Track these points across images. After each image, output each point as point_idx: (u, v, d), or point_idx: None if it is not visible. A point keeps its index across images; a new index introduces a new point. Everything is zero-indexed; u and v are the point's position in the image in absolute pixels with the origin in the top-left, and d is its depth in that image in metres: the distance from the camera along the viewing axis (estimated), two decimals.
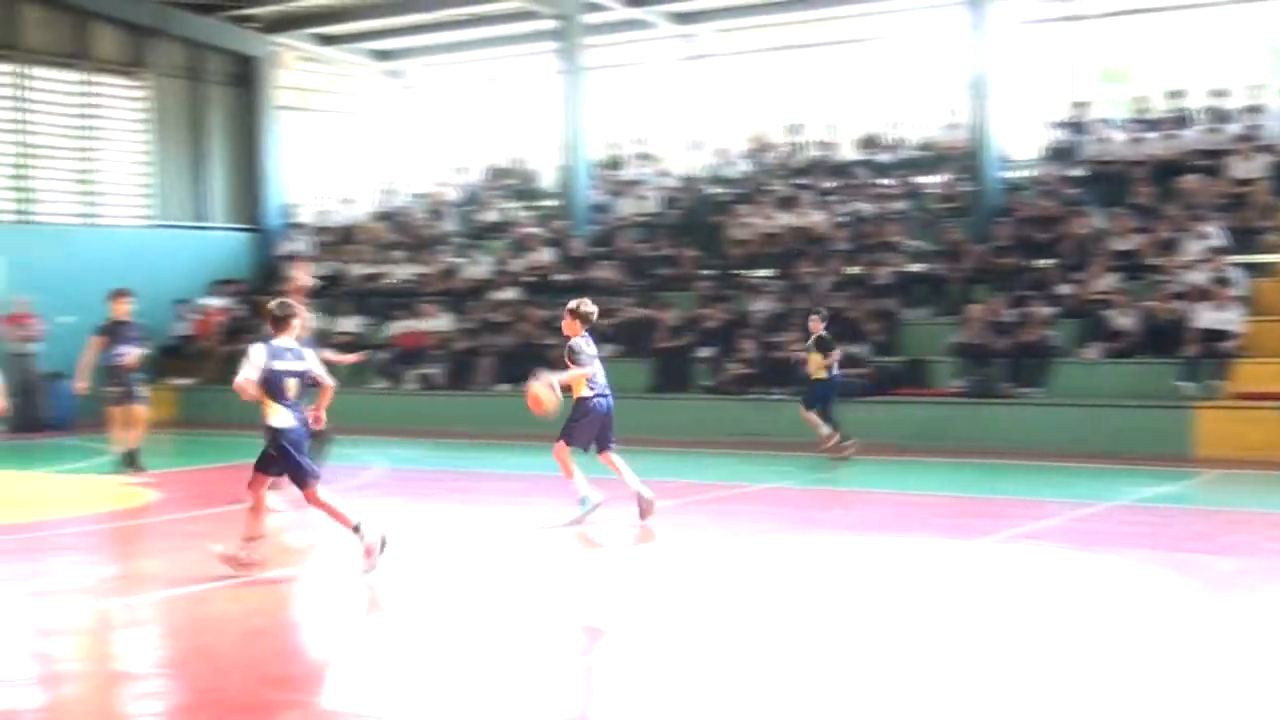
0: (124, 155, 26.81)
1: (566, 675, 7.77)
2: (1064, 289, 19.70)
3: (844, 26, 27.22)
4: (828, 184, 24.13)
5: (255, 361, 10.26)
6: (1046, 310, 19.27)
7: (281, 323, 10.54)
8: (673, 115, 28.79)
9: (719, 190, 24.80)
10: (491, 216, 27.16)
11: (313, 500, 10.40)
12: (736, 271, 22.69)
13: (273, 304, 10.81)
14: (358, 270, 26.51)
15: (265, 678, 7.83)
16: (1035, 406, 18.63)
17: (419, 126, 31.92)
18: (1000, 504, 14.02)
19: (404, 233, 27.55)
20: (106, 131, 26.46)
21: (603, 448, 12.83)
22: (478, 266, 24.99)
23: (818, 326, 17.36)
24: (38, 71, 25.34)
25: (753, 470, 16.64)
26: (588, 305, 12.53)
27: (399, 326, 24.22)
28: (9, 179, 25.07)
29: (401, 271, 25.93)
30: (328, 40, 29.52)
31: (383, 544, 10.27)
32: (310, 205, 29.58)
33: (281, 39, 28.65)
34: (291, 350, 10.52)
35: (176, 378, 25.76)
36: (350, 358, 15.15)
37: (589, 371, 12.51)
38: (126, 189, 26.88)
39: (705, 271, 22.66)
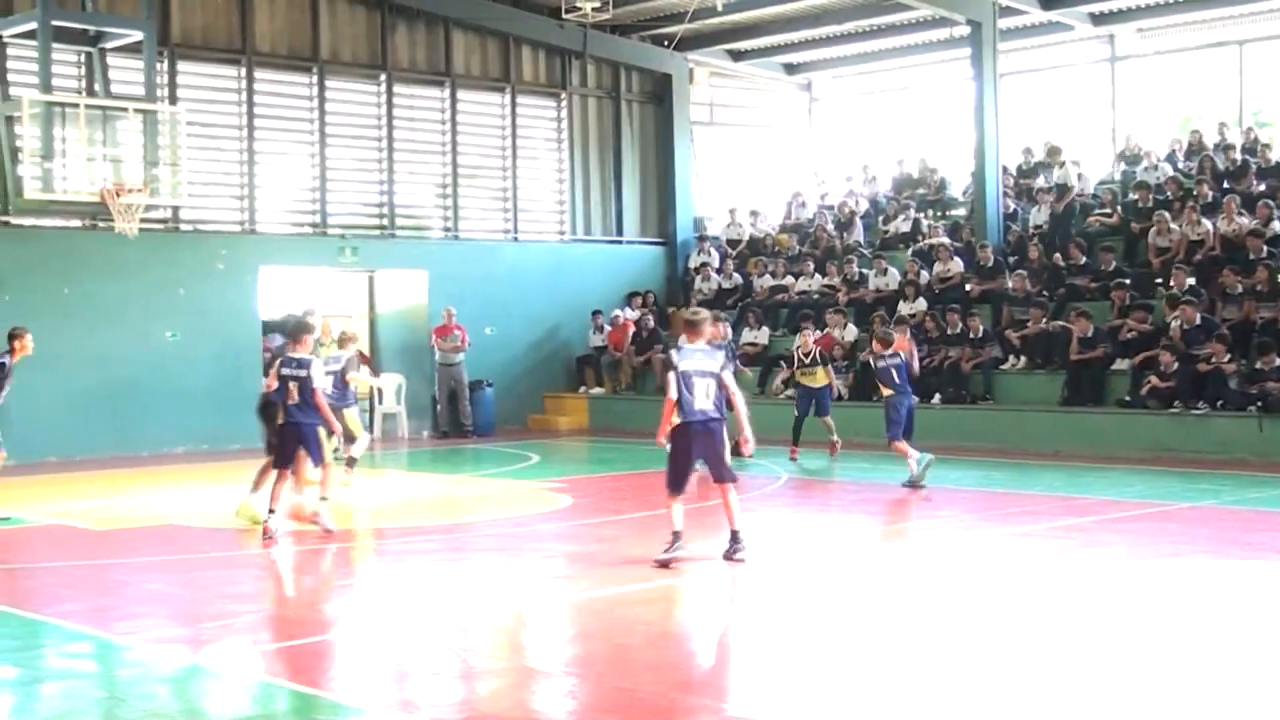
0: (543, 173, 27.86)
1: (976, 688, 7.55)
2: None
3: (1275, 22, 25.66)
4: (1258, 187, 22.81)
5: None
6: None
7: (694, 326, 11.48)
8: (1091, 119, 27.83)
9: (1139, 196, 23.77)
10: (900, 227, 26.88)
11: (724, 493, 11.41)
12: (1156, 280, 21.70)
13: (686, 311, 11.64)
14: (765, 282, 26.71)
15: (675, 681, 7.93)
16: None
17: (827, 138, 31.95)
18: None
19: (812, 244, 27.60)
20: (528, 150, 27.56)
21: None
22: (885, 277, 24.77)
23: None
24: (465, 95, 26.63)
25: (1173, 488, 15.85)
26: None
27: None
28: (438, 197, 26.44)
29: (809, 283, 25.97)
30: (738, 55, 29.91)
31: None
32: (721, 218, 30.01)
33: (694, 56, 29.20)
34: (704, 352, 11.36)
35: (590, 387, 26.61)
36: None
37: None
38: (545, 205, 27.92)
39: (1123, 281, 21.74)
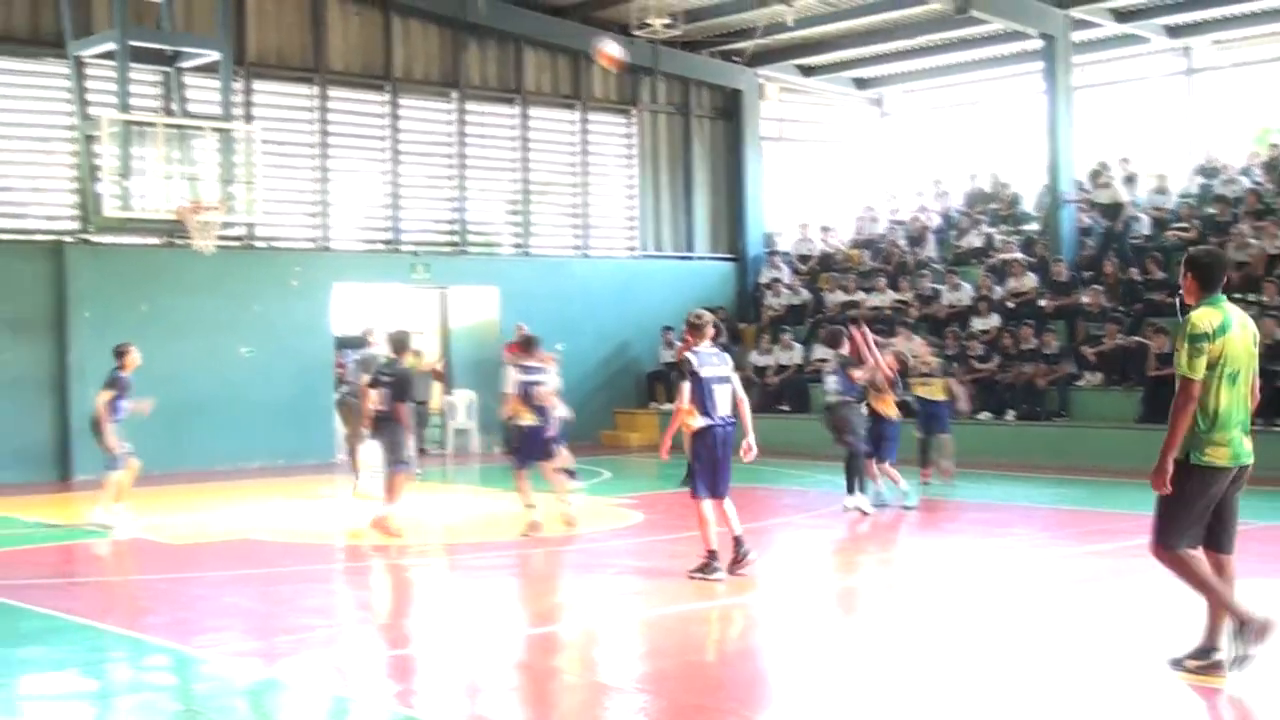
0: (614, 189, 27.94)
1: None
2: None
3: None
4: None
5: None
6: None
7: (698, 330, 11.72)
8: (1167, 133, 27.53)
9: (1218, 210, 23.49)
10: (972, 241, 26.72)
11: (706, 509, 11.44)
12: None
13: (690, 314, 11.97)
14: (836, 297, 26.62)
15: (748, 699, 7.91)
16: None
17: (898, 153, 31.82)
18: None
19: (883, 259, 27.49)
20: (599, 166, 27.65)
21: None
22: (958, 293, 24.61)
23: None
24: (536, 112, 26.75)
25: (1254, 506, 15.54)
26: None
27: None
28: (509, 213, 26.56)
29: (880, 298, 25.85)
30: (809, 71, 29.85)
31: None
32: (791, 234, 29.96)
33: (765, 71, 29.18)
34: (717, 356, 11.63)
35: (660, 402, 26.60)
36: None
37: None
38: (616, 221, 27.99)
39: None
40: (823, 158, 31.54)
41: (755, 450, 11.70)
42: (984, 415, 22.00)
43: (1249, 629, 7.55)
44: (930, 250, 27.22)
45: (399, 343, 14.74)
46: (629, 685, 8.28)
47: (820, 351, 24.53)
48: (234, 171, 20.81)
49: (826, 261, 28.61)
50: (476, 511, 16.98)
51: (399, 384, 14.37)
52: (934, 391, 18.03)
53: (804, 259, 28.93)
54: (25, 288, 21.00)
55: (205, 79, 21.83)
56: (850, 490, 15.42)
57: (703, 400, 11.36)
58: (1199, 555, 7.77)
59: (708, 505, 11.42)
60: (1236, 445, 7.66)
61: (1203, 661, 7.78)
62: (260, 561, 13.03)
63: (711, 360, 11.58)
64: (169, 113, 21.64)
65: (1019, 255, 24.91)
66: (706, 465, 11.41)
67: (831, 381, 15.50)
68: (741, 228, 29.18)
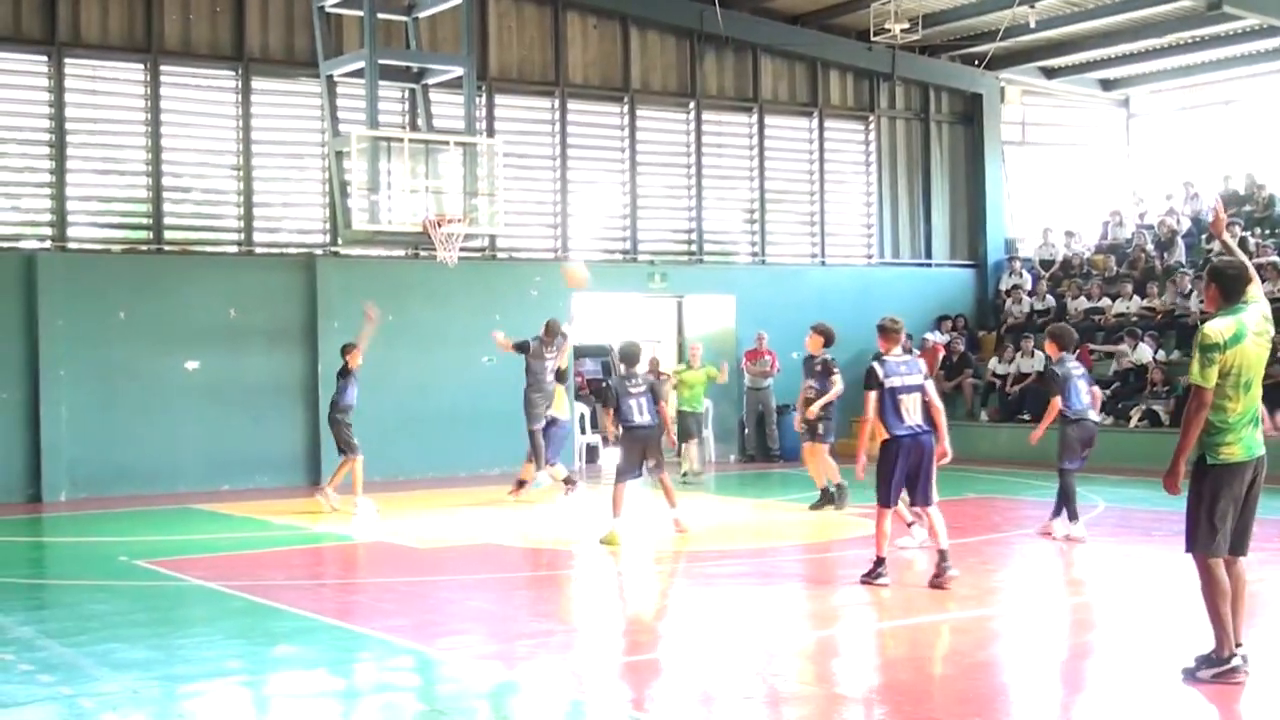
0: (851, 196, 27.73)
1: None
2: None
3: None
4: None
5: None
6: None
7: (893, 335, 11.58)
8: None
9: None
10: None
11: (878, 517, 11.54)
12: None
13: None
14: (1080, 304, 25.96)
15: (991, 715, 7.75)
16: None
17: (1146, 155, 30.88)
18: None
19: (1129, 265, 26.71)
20: (835, 174, 27.48)
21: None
22: None
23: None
24: (773, 120, 26.72)
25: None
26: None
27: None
28: (746, 222, 26.58)
29: (1127, 305, 25.11)
30: (1052, 73, 29.20)
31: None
32: (1033, 239, 29.34)
33: (1006, 74, 28.64)
34: (906, 364, 11.50)
35: None
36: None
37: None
38: (853, 228, 27.77)
39: None
40: (1067, 161, 30.81)
41: (949, 455, 11.72)
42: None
43: (1221, 663, 8.00)
44: (1179, 255, 26.34)
45: (631, 355, 14.87)
46: (865, 696, 8.19)
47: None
48: (477, 184, 21.24)
49: (1069, 267, 27.94)
50: (712, 519, 17.00)
51: (655, 391, 14.69)
52: None
53: (1046, 265, 28.30)
54: (279, 299, 21.81)
55: (449, 94, 22.35)
56: (1058, 513, 14.36)
57: (886, 411, 11.34)
58: (1223, 577, 8.05)
59: (887, 516, 11.56)
60: (1248, 440, 8.00)
61: (1218, 669, 8.06)
62: (501, 566, 13.28)
63: (899, 370, 11.49)
64: (415, 128, 22.23)
65: (1275, 259, 23.92)
66: (892, 475, 11.44)
67: (1083, 388, 14.58)
68: (981, 233, 28.69)
